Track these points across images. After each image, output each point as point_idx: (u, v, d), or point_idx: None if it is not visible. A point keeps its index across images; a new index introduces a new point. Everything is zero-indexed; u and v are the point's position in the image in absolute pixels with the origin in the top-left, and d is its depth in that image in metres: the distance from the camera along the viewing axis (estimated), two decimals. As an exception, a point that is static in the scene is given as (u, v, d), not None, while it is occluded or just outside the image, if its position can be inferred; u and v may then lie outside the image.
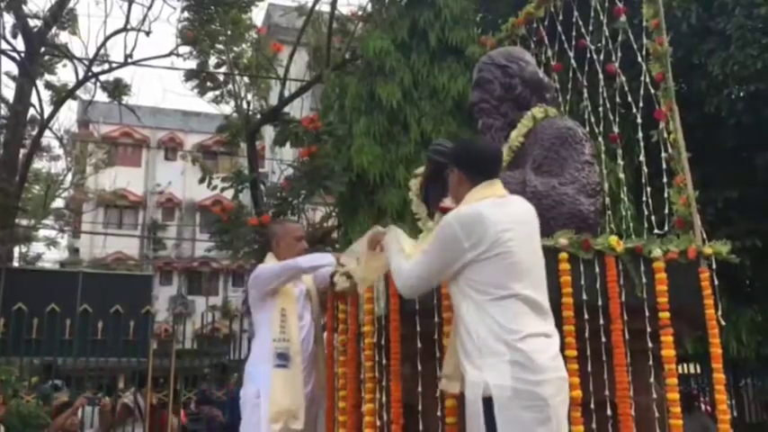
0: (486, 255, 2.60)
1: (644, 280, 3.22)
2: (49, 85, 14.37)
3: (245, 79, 12.62)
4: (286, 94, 10.42)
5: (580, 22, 4.56)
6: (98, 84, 13.24)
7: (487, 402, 2.46)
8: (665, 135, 3.84)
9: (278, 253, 4.16)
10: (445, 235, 2.65)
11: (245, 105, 11.77)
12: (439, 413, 2.99)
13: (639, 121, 4.11)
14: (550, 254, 2.96)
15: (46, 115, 12.75)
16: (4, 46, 12.08)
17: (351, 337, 3.54)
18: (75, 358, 7.64)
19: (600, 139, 4.45)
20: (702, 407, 9.26)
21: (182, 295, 27.22)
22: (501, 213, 2.69)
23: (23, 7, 11.76)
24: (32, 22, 12.21)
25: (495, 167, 2.87)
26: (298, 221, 8.11)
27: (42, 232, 22.94)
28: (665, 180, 3.81)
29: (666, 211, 3.77)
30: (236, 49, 12.72)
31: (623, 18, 4.32)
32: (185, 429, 9.00)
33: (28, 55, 11.86)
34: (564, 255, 3.11)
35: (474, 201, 2.76)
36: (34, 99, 12.41)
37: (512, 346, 2.50)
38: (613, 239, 3.24)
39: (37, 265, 22.75)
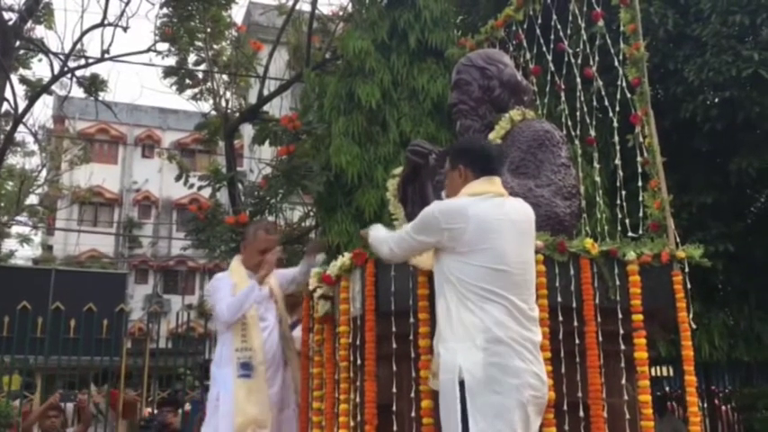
0: (469, 249, 2.63)
1: (618, 282, 3.25)
2: (23, 80, 14.11)
3: (225, 77, 12.53)
4: (265, 92, 10.37)
5: (558, 26, 4.60)
6: (74, 79, 13.04)
7: (460, 385, 2.51)
8: (641, 139, 3.88)
9: (244, 256, 4.19)
10: (425, 216, 2.78)
11: (223, 103, 11.70)
12: (414, 414, 2.99)
13: (616, 125, 4.15)
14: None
15: (20, 110, 12.56)
16: (-22, 39, 11.86)
17: (327, 338, 3.53)
18: (46, 357, 7.53)
19: (576, 142, 4.49)
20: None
21: (157, 294, 26.96)
22: (491, 211, 2.70)
23: (-2, 0, 11.56)
24: (7, 15, 12.01)
25: (496, 165, 2.90)
26: (275, 221, 8.06)
27: (15, 229, 22.55)
28: (640, 184, 3.85)
29: (641, 214, 3.80)
30: (215, 46, 12.62)
31: (601, 23, 4.36)
32: None
33: (2, 49, 11.64)
34: (539, 257, 3.12)
35: (466, 195, 2.78)
36: (8, 94, 12.19)
37: (487, 347, 2.52)
38: (588, 242, 3.26)
39: (9, 262, 22.39)
